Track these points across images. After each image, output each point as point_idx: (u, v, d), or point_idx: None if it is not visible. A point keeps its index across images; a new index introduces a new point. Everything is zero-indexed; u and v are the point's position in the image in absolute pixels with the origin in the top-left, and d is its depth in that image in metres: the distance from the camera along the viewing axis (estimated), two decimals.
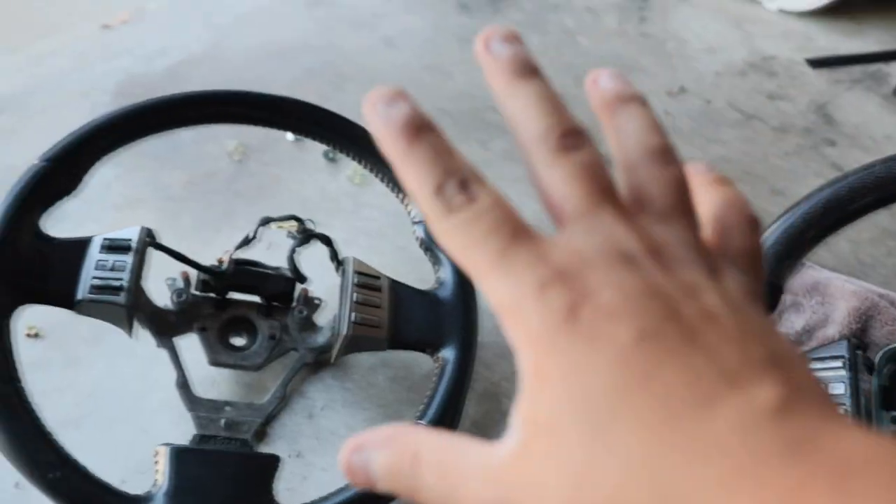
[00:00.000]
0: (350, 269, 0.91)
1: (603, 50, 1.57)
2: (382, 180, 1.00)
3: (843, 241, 1.09)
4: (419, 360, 0.91)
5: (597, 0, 1.72)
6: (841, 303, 0.94)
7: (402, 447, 0.27)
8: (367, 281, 0.90)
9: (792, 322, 0.95)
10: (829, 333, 0.92)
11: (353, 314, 0.86)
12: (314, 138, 1.03)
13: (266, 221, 0.98)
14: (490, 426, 0.89)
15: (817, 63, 1.45)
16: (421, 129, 0.27)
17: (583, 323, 0.23)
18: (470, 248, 0.25)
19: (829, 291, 0.97)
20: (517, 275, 0.24)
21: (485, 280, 0.25)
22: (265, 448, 0.87)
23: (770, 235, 0.80)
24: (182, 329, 0.91)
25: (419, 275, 0.97)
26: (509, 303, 0.24)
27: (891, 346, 0.78)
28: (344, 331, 0.85)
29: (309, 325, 0.94)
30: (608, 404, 0.22)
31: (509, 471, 0.24)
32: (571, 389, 0.23)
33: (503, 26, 0.29)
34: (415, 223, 0.96)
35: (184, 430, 0.80)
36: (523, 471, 0.24)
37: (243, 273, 0.93)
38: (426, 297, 0.90)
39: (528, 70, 0.29)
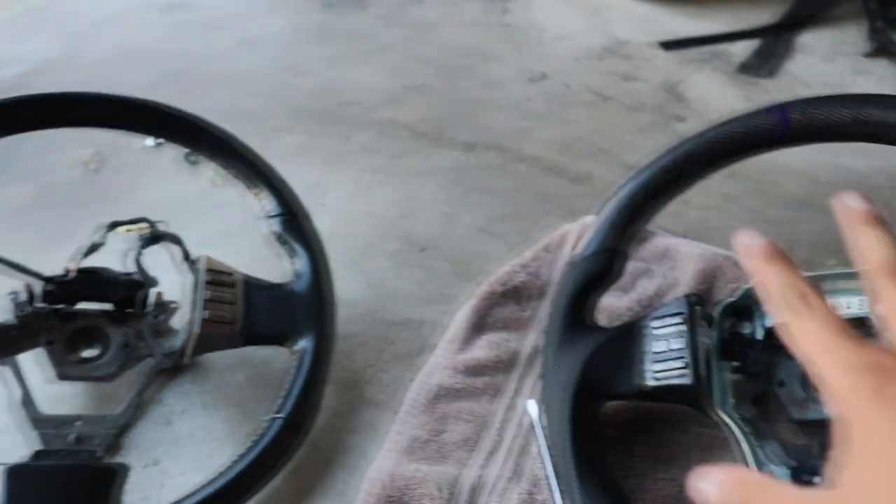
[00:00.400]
0: (202, 267, 0.88)
1: (465, 40, 1.58)
2: (237, 177, 0.98)
3: (692, 210, 1.13)
4: (278, 356, 0.89)
5: None
6: (688, 265, 0.98)
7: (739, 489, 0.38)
8: (219, 278, 0.88)
9: (644, 287, 0.98)
10: (678, 295, 0.95)
11: (204, 311, 0.84)
12: (171, 140, 1.00)
13: (114, 226, 0.94)
14: (350, 414, 0.87)
15: (669, 45, 1.51)
16: (776, 256, 0.43)
17: (887, 397, 0.33)
18: (809, 336, 0.37)
19: (678, 256, 1.00)
20: (845, 354, 0.35)
21: (818, 358, 0.37)
22: (119, 459, 0.83)
23: (611, 203, 0.82)
24: (26, 345, 0.86)
25: (282, 271, 0.95)
26: (833, 374, 0.36)
27: (727, 300, 0.81)
28: (195, 329, 0.83)
29: (164, 330, 0.91)
30: None
31: None
32: (875, 449, 0.32)
33: (857, 194, 0.43)
34: (269, 217, 0.94)
35: (30, 451, 0.76)
36: None
37: (89, 281, 0.89)
38: (281, 290, 0.89)
39: (877, 220, 0.41)
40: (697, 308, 0.76)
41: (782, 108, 0.80)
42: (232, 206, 1.21)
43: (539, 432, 0.80)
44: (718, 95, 1.39)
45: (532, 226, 1.11)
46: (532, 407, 0.83)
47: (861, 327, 0.73)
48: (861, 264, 0.42)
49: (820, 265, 1.03)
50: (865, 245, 0.41)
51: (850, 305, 0.74)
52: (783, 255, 0.43)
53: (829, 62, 1.47)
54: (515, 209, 1.16)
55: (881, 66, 1.46)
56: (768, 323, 0.76)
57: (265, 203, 0.95)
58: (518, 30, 1.60)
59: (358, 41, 1.61)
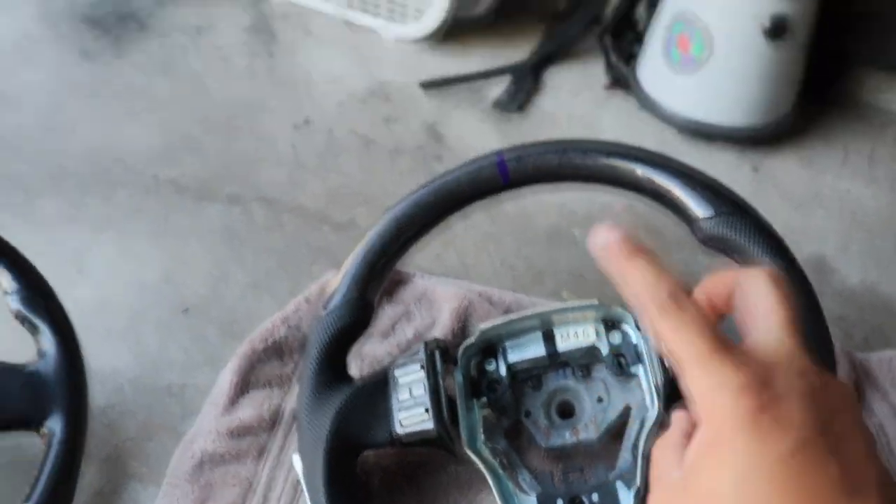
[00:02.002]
0: None
1: (231, 90, 1.58)
2: None
3: (452, 251, 1.19)
4: (33, 440, 0.85)
5: (224, 39, 1.72)
6: (445, 305, 1.02)
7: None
8: None
9: (404, 331, 1.02)
10: (434, 336, 0.99)
11: None
12: None
13: None
14: (114, 492, 0.85)
15: (427, 85, 1.58)
16: (640, 251, 0.40)
17: (762, 425, 0.31)
18: (682, 343, 0.35)
19: (434, 297, 1.04)
20: (722, 375, 0.33)
21: (691, 370, 0.35)
22: None
23: (351, 256, 0.85)
24: None
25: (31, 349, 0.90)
26: (709, 394, 0.34)
27: (467, 341, 0.85)
28: None
29: None
30: (764, 493, 0.30)
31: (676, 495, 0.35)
32: (737, 471, 0.31)
33: (609, 227, 0.41)
34: (6, 294, 0.90)
35: None
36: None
37: None
38: (24, 371, 0.85)
39: (637, 249, 0.40)
40: (437, 352, 0.81)
41: (500, 157, 0.87)
42: None
43: (305, 487, 0.82)
44: (474, 133, 1.48)
45: (299, 278, 1.13)
46: (297, 462, 0.84)
47: (591, 354, 0.80)
48: (633, 300, 0.39)
49: (559, 295, 1.13)
50: (632, 280, 0.38)
51: (584, 335, 0.81)
52: (645, 248, 0.39)
53: (574, 96, 1.60)
54: (283, 263, 1.18)
55: (618, 97, 1.61)
56: (510, 359, 0.82)
57: (1, 280, 0.90)
58: (283, 76, 1.62)
59: (122, 95, 1.56)
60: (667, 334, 0.36)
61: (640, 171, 0.79)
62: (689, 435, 0.36)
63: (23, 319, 0.89)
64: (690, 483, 0.33)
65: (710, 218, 0.76)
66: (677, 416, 0.41)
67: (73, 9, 1.80)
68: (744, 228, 0.75)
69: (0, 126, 1.47)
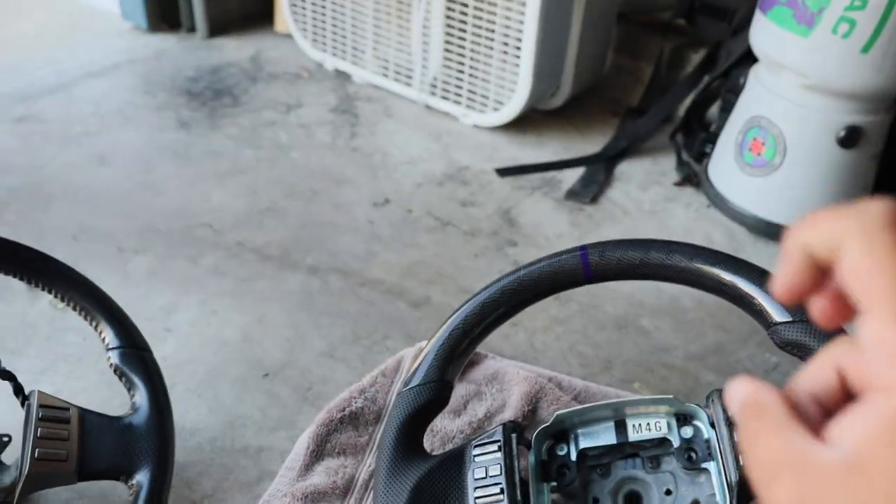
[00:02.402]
0: (34, 402, 0.87)
1: (314, 163, 1.65)
2: (74, 308, 0.98)
3: (521, 331, 1.22)
4: (116, 488, 0.89)
5: (311, 117, 1.82)
6: (515, 388, 1.05)
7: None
8: (53, 413, 0.87)
9: (475, 410, 1.04)
10: (505, 417, 1.02)
11: (34, 450, 0.83)
12: (3, 272, 0.99)
13: None
14: None
15: (503, 172, 1.64)
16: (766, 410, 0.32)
17: None
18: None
19: (506, 379, 1.07)
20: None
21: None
22: None
23: (436, 337, 0.89)
24: None
25: (123, 399, 0.95)
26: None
27: (542, 425, 0.87)
28: (25, 469, 0.82)
29: None
30: None
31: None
32: None
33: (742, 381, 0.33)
34: (108, 349, 0.95)
35: None
36: None
37: None
38: (118, 424, 0.89)
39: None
40: (514, 434, 0.83)
41: (583, 252, 0.90)
42: (75, 330, 1.20)
43: None
44: (547, 220, 1.52)
45: (373, 349, 1.17)
46: None
47: (662, 446, 0.82)
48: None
49: (630, 385, 1.14)
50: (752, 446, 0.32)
51: (655, 427, 0.83)
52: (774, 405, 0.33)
53: (644, 190, 1.64)
54: (357, 333, 1.22)
55: (687, 193, 1.64)
56: (581, 445, 0.83)
57: (103, 335, 0.96)
58: (365, 154, 1.70)
59: (213, 162, 1.65)
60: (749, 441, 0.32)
61: (723, 274, 0.82)
62: (798, 411, 0.31)
63: (121, 374, 0.93)
64: (871, 462, 0.27)
65: (788, 323, 0.78)
66: (770, 395, 0.34)
67: (173, 82, 1.92)
68: (820, 335, 0.76)
69: (96, 182, 1.56)
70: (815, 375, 0.32)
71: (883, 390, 0.28)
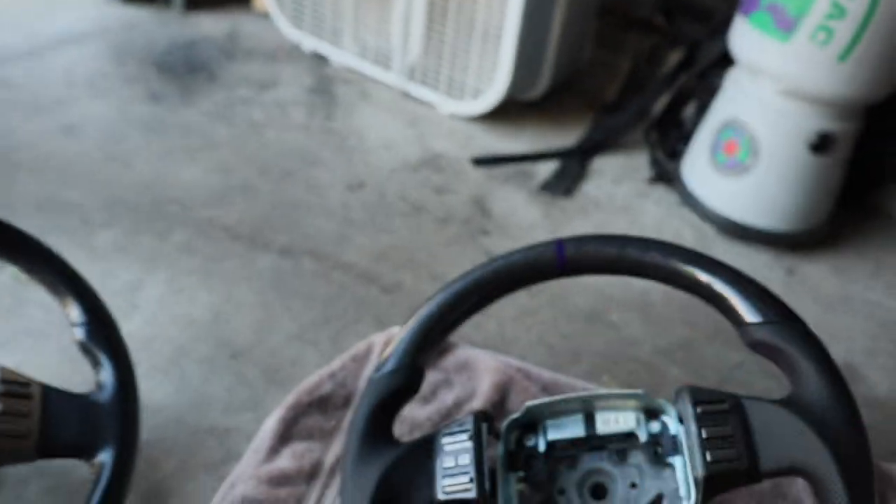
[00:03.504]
0: None
1: (288, 143, 1.64)
2: (39, 282, 0.96)
3: (492, 321, 1.22)
4: (77, 466, 0.88)
5: (286, 96, 1.80)
6: (485, 377, 1.05)
7: None
8: (14, 389, 0.85)
9: (444, 398, 1.04)
10: (474, 406, 1.02)
11: None
12: None
13: None
14: None
15: (479, 161, 1.64)
16: None
17: None
18: None
19: (475, 367, 1.07)
20: None
21: None
22: None
23: (409, 324, 0.88)
24: None
25: (86, 377, 0.93)
26: None
27: (512, 416, 0.88)
28: None
29: None
30: None
31: None
32: None
33: None
34: (74, 325, 0.93)
35: None
36: None
37: None
38: (82, 401, 0.88)
39: None
40: (484, 424, 0.83)
41: (559, 244, 0.91)
42: (37, 303, 1.17)
43: None
44: (521, 212, 1.52)
45: (344, 333, 1.16)
46: None
47: (629, 440, 0.83)
48: None
49: (598, 377, 1.15)
50: None
51: (623, 421, 0.84)
52: None
53: (617, 185, 1.66)
54: (328, 316, 1.21)
55: (660, 190, 1.66)
56: (550, 436, 0.84)
57: (69, 310, 0.94)
58: (340, 136, 1.68)
59: (185, 137, 1.62)
60: None
61: (698, 273, 0.83)
62: None
63: (86, 351, 0.92)
64: None
65: (759, 324, 0.79)
66: None
67: (146, 53, 1.89)
68: (791, 338, 0.78)
69: (63, 153, 1.53)
70: None
71: None
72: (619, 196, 1.63)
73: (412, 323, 0.90)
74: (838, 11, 1.28)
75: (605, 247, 0.90)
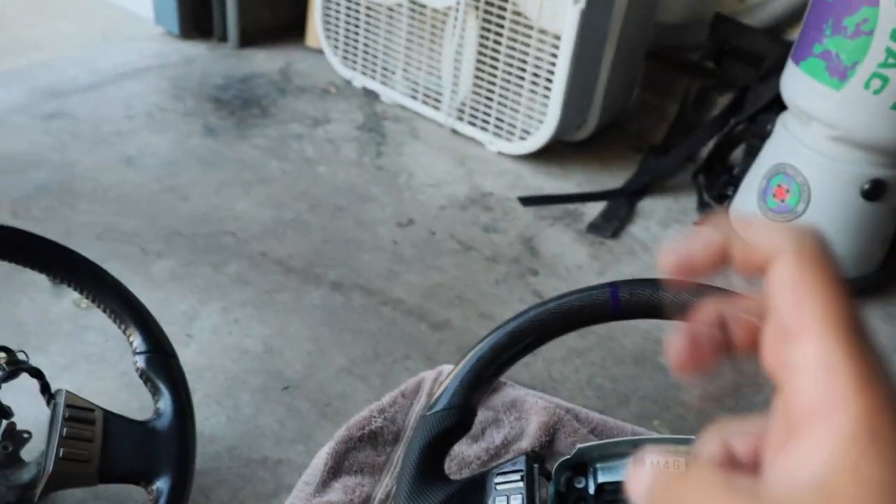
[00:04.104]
0: (61, 401, 0.88)
1: (339, 179, 1.67)
2: (104, 311, 0.99)
3: (540, 361, 1.23)
4: (132, 492, 0.89)
5: (337, 132, 1.83)
6: (533, 417, 1.05)
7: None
8: (79, 414, 0.88)
9: (493, 437, 1.05)
10: (522, 446, 1.02)
11: (59, 450, 0.83)
12: (34, 269, 1.00)
13: None
14: None
15: (527, 201, 1.65)
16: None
17: None
18: None
19: (524, 408, 1.08)
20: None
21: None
22: None
23: (463, 363, 0.90)
24: None
25: (142, 402, 0.96)
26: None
27: (563, 458, 0.88)
28: (49, 467, 0.82)
29: (14, 461, 0.89)
30: None
31: None
32: None
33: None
34: (136, 353, 0.96)
35: None
36: None
37: None
38: (142, 428, 0.90)
39: None
40: (536, 465, 0.84)
41: (614, 288, 0.91)
42: (96, 330, 1.21)
43: None
44: (569, 252, 1.53)
45: (393, 368, 1.17)
46: None
47: None
48: None
49: (647, 420, 1.14)
50: None
51: (678, 467, 0.84)
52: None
53: (664, 227, 1.66)
54: (378, 351, 1.22)
55: None
56: (600, 479, 0.84)
57: (132, 339, 0.96)
58: (390, 173, 1.71)
59: (239, 171, 1.66)
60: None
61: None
62: (727, 465, 0.30)
63: (146, 379, 0.94)
64: (836, 486, 0.26)
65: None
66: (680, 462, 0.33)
67: (202, 88, 1.95)
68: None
69: (123, 183, 1.58)
70: (705, 448, 0.31)
71: (828, 412, 0.26)
72: (666, 238, 1.64)
73: (466, 362, 0.91)
74: (894, 60, 1.28)
75: (658, 291, 0.91)
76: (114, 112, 1.82)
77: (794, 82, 1.45)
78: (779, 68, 1.54)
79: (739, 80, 1.78)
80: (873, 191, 1.41)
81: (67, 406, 0.88)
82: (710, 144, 1.77)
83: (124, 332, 0.98)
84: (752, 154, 1.62)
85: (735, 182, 1.67)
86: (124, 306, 0.99)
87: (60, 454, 0.84)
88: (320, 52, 2.12)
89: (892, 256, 1.58)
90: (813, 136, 1.44)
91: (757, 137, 1.63)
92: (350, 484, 0.96)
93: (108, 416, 0.91)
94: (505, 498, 0.82)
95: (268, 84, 2.01)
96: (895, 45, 1.28)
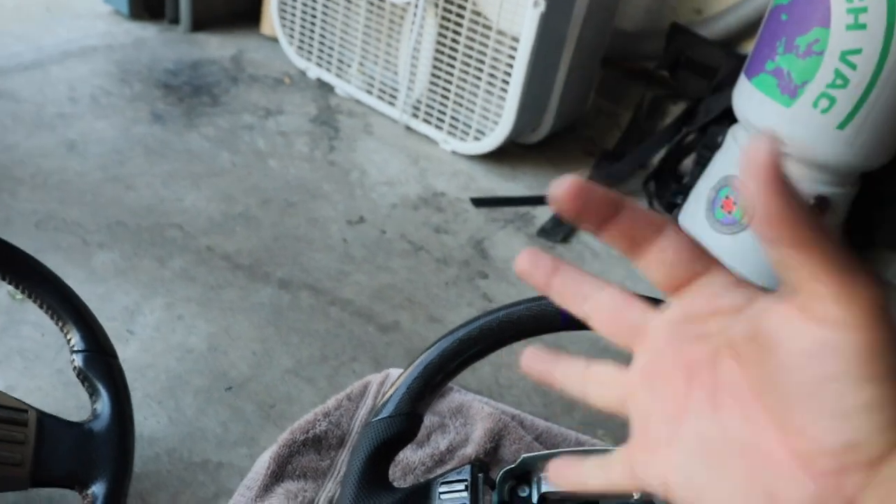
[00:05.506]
0: None
1: (291, 174, 1.64)
2: (41, 306, 0.96)
3: (487, 366, 1.23)
4: (66, 496, 0.87)
5: (290, 125, 1.81)
6: (479, 423, 1.05)
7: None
8: (10, 415, 0.84)
9: (438, 442, 1.04)
10: (467, 452, 1.02)
11: None
12: None
13: None
14: None
15: (479, 202, 1.65)
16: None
17: None
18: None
19: (470, 413, 1.07)
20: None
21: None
22: None
23: (410, 370, 0.89)
24: None
25: (79, 401, 0.93)
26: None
27: (508, 467, 0.88)
28: None
29: None
30: None
31: None
32: None
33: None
34: (73, 352, 0.93)
35: None
36: None
37: None
38: (78, 430, 0.87)
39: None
40: (480, 475, 0.84)
41: None
42: (33, 324, 1.17)
43: None
44: (518, 255, 1.53)
45: (340, 371, 1.16)
46: None
47: (622, 496, 0.83)
48: None
49: (592, 429, 1.15)
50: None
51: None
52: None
53: None
54: (325, 353, 1.21)
55: None
56: (543, 489, 0.85)
57: (69, 336, 0.93)
58: (342, 169, 1.69)
59: (188, 161, 1.63)
60: None
61: None
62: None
63: (84, 379, 0.91)
64: None
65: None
66: None
67: (150, 73, 1.90)
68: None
69: (64, 170, 1.53)
70: None
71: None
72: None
73: (413, 368, 0.90)
74: (842, 81, 1.31)
75: None
76: (57, 94, 1.76)
77: (746, 97, 1.48)
78: (731, 81, 1.57)
79: (693, 90, 1.80)
80: (817, 207, 1.45)
81: None
82: (662, 153, 1.79)
83: (61, 329, 0.94)
84: (702, 164, 1.64)
85: (685, 191, 1.69)
86: (62, 302, 0.96)
87: None
88: (275, 40, 2.08)
89: None
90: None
91: (707, 148, 1.65)
92: (293, 489, 0.95)
93: (42, 417, 0.87)
94: None
95: (219, 71, 1.97)
96: (844, 66, 1.31)
